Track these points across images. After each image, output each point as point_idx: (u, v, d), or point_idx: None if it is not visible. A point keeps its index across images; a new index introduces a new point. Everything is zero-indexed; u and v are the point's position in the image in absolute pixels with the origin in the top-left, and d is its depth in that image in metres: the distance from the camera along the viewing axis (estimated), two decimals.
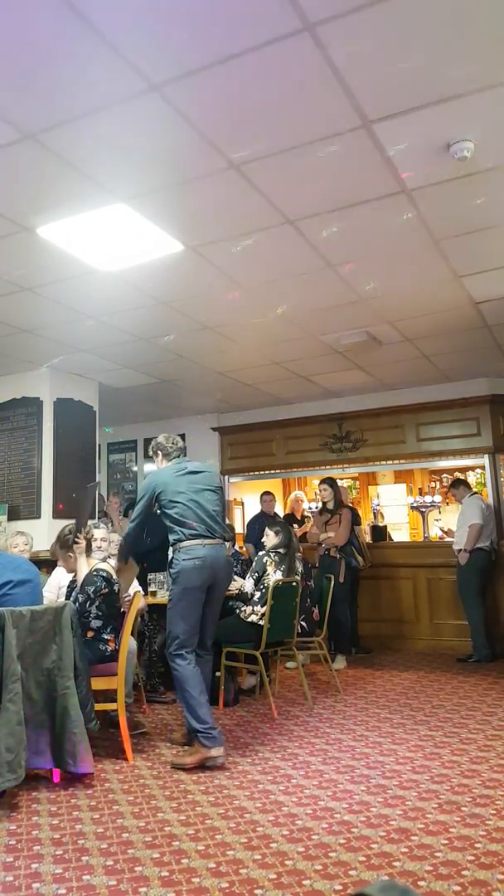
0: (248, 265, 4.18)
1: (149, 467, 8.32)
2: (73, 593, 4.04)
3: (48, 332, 5.34)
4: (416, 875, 2.31)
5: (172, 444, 4.05)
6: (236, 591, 4.87)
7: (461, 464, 8.18)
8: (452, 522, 7.20)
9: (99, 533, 4.30)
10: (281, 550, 4.93)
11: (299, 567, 5.11)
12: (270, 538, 4.99)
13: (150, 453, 4.12)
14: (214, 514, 3.79)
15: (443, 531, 8.71)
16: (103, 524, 4.55)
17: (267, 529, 5.10)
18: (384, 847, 2.54)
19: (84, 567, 4.00)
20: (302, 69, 2.50)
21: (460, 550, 6.27)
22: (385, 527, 8.48)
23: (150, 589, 5.26)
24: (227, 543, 3.94)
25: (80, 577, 3.98)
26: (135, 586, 4.49)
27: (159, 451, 4.03)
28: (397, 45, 2.40)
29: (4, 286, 4.39)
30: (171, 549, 3.74)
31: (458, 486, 6.68)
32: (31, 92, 2.59)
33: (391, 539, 8.65)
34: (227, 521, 7.74)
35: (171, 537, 3.74)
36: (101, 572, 3.94)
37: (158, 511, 3.82)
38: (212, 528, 3.74)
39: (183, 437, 8.58)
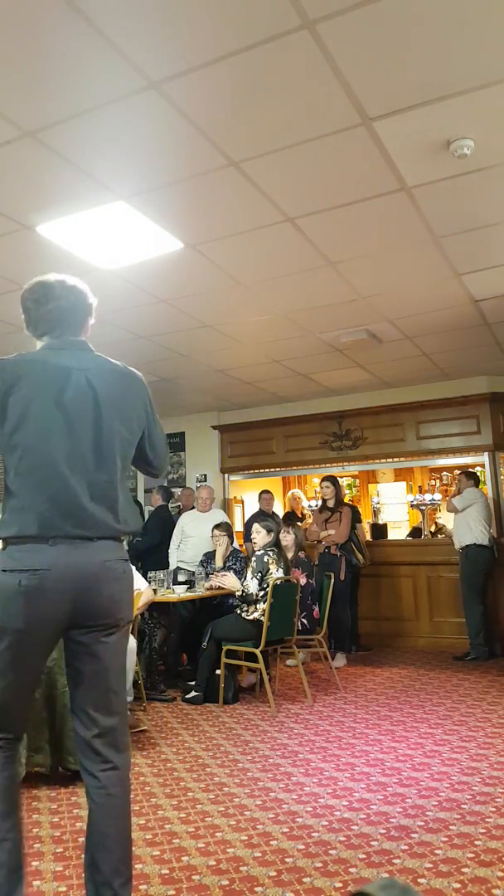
0: (248, 263, 4.18)
1: None
2: None
3: None
4: (416, 872, 2.32)
5: (38, 295, 2.21)
6: (240, 593, 4.85)
7: (461, 462, 8.18)
8: (449, 519, 7.19)
9: None
10: (275, 548, 4.94)
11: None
12: (262, 536, 4.99)
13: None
14: (104, 485, 1.92)
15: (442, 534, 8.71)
16: None
17: (257, 526, 5.06)
18: (384, 844, 2.54)
19: None
20: (301, 66, 2.49)
21: (461, 546, 6.26)
22: (385, 525, 8.48)
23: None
24: (119, 541, 1.99)
25: None
26: (139, 581, 4.45)
27: (23, 314, 2.26)
28: (397, 41, 2.40)
29: (4, 284, 4.39)
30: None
31: (465, 477, 6.58)
32: (30, 89, 2.59)
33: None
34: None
35: None
36: None
37: None
38: (78, 513, 1.86)
39: (182, 435, 8.59)
